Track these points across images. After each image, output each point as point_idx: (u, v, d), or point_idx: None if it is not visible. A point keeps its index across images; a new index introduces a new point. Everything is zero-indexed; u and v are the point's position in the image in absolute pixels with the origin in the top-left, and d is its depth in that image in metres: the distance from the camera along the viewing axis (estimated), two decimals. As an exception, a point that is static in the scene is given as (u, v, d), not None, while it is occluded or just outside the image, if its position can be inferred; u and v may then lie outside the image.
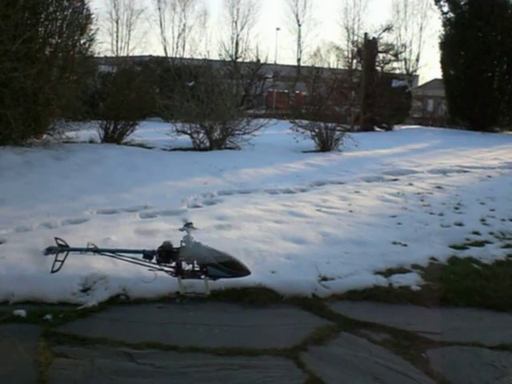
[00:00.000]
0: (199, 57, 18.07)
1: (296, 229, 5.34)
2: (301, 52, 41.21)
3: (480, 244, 5.25)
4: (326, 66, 26.39)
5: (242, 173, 8.49)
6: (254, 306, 3.77)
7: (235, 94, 13.17)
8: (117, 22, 41.12)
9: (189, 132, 11.28)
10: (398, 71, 23.34)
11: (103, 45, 29.84)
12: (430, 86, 32.06)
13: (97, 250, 3.70)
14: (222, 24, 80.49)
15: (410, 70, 35.19)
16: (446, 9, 19.62)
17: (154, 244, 3.75)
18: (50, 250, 3.65)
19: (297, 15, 42.41)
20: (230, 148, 11.22)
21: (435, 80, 29.61)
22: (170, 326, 3.46)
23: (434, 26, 53.62)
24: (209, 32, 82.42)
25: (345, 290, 4.01)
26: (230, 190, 7.19)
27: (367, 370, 2.99)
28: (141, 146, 10.99)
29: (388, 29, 19.58)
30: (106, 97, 11.24)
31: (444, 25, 19.65)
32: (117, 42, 40.84)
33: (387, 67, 19.27)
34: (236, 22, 41.87)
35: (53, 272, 3.59)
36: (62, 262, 3.60)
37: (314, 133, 11.65)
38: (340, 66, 23.13)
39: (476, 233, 5.55)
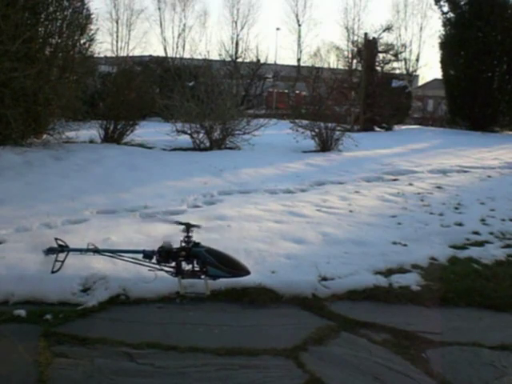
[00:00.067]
0: (199, 57, 18.08)
1: (296, 229, 5.34)
2: (301, 52, 41.21)
3: (480, 244, 5.25)
4: (326, 65, 26.40)
5: (242, 173, 8.49)
6: (253, 306, 3.78)
7: (235, 94, 13.17)
8: (117, 22, 41.11)
9: (189, 132, 11.28)
10: (398, 71, 23.35)
11: (103, 45, 29.86)
12: (429, 86, 32.06)
13: (97, 251, 3.70)
14: (222, 24, 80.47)
15: (410, 70, 35.18)
16: (445, 9, 19.64)
17: (154, 244, 3.75)
18: (50, 251, 3.65)
19: (297, 15, 42.41)
20: (230, 148, 11.22)
21: (435, 80, 29.61)
22: (170, 326, 3.46)
23: (434, 26, 53.62)
24: (209, 32, 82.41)
25: (345, 290, 4.01)
26: (230, 190, 7.20)
27: (367, 370, 2.99)
28: (141, 145, 10.99)
29: (388, 29, 19.59)
30: (105, 97, 11.24)
31: (444, 25, 19.65)
32: (117, 41, 40.83)
33: (387, 67, 19.28)
34: (236, 22, 41.86)
35: (53, 272, 3.59)
36: (62, 262, 3.60)
37: (314, 133, 11.65)
38: (340, 66, 23.15)
39: (476, 233, 5.56)
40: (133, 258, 3.68)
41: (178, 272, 3.57)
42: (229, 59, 24.32)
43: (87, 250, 3.66)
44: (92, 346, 3.11)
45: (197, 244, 3.61)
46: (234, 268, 3.58)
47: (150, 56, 25.96)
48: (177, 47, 40.73)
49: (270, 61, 26.97)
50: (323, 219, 5.78)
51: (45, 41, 9.31)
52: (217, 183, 7.63)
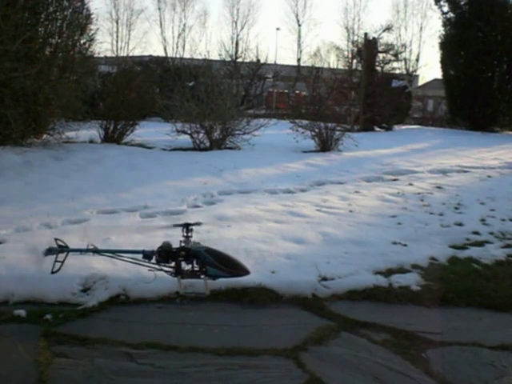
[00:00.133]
0: (199, 57, 18.08)
1: (296, 229, 5.34)
2: (301, 52, 41.19)
3: (480, 244, 5.25)
4: (326, 66, 26.38)
5: (242, 173, 8.49)
6: (253, 306, 3.78)
7: (235, 94, 13.18)
8: (117, 22, 41.08)
9: (189, 132, 11.28)
10: (398, 71, 23.34)
11: (103, 45, 29.83)
12: (429, 86, 32.05)
13: (96, 251, 3.70)
14: (222, 24, 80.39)
15: (410, 70, 35.16)
16: (446, 9, 19.63)
17: (154, 244, 3.75)
18: (49, 251, 3.65)
19: (297, 15, 42.38)
20: (230, 148, 11.22)
21: (435, 80, 29.60)
22: (170, 326, 3.46)
23: (434, 26, 53.56)
24: (209, 32, 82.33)
25: (345, 290, 4.01)
26: (230, 190, 7.19)
27: (367, 370, 2.99)
28: (141, 145, 10.99)
29: (388, 29, 19.58)
30: (105, 97, 11.24)
31: (444, 25, 19.65)
32: (117, 41, 40.80)
33: (387, 67, 19.28)
34: (236, 22, 41.84)
35: (53, 273, 3.59)
36: (62, 262, 3.60)
37: (314, 133, 11.65)
38: (340, 66, 23.15)
39: (476, 233, 5.56)
40: (132, 259, 3.68)
41: (178, 272, 3.57)
42: (229, 59, 24.32)
43: (87, 251, 3.66)
44: (92, 346, 3.11)
45: (196, 244, 3.61)
46: (234, 268, 3.58)
47: (150, 56, 25.96)
48: (177, 47, 40.73)
49: (270, 61, 26.99)
50: (323, 219, 5.78)
51: (45, 41, 9.31)
52: (217, 183, 7.63)
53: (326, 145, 11.58)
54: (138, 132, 11.33)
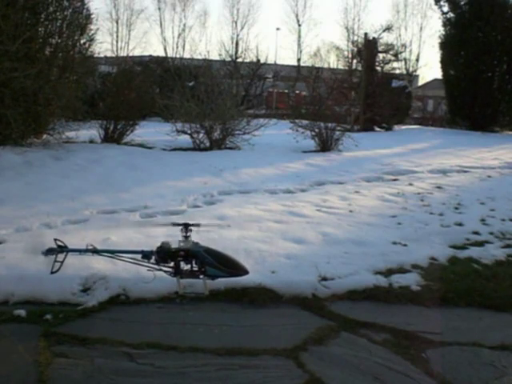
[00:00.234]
0: (199, 57, 18.09)
1: (296, 229, 5.34)
2: (301, 52, 41.18)
3: (480, 244, 5.25)
4: (326, 66, 26.39)
5: (242, 173, 8.50)
6: (253, 306, 3.77)
7: (235, 94, 13.18)
8: (117, 22, 41.07)
9: (189, 132, 11.28)
10: (398, 71, 23.35)
11: (103, 45, 29.86)
12: (429, 86, 32.06)
13: (96, 251, 3.70)
14: (222, 24, 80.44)
15: (410, 70, 35.17)
16: (446, 9, 19.64)
17: (154, 244, 3.75)
18: (49, 251, 3.65)
19: (297, 15, 42.38)
20: (230, 148, 11.22)
21: (435, 80, 29.61)
22: (170, 326, 3.46)
23: (434, 26, 53.62)
24: (209, 32, 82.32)
25: (345, 290, 4.01)
26: (230, 190, 7.19)
27: (367, 370, 2.99)
28: (141, 145, 10.99)
29: (388, 29, 19.59)
30: (106, 97, 11.24)
31: (444, 25, 19.65)
32: (117, 41, 40.79)
33: (387, 67, 19.29)
34: (236, 22, 41.83)
35: (52, 273, 3.59)
36: (62, 262, 3.60)
37: (314, 133, 11.65)
38: (340, 66, 23.15)
39: (476, 233, 5.55)
40: (132, 259, 3.68)
41: (177, 272, 3.57)
42: (229, 59, 24.33)
43: (86, 251, 3.67)
44: (92, 346, 3.11)
45: (195, 244, 3.61)
46: (233, 268, 3.58)
47: (150, 56, 25.97)
48: (177, 47, 40.72)
49: (270, 61, 27.00)
50: (323, 219, 5.78)
51: (45, 41, 9.31)
52: (217, 183, 7.63)
53: (325, 145, 11.58)
54: (138, 132, 11.33)
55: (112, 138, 11.00)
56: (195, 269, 3.57)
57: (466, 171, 9.37)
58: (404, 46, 30.17)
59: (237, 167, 8.86)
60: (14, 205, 5.84)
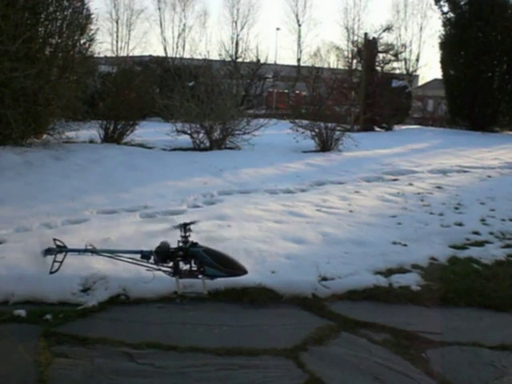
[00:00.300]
0: (199, 57, 18.09)
1: (296, 229, 5.34)
2: (301, 52, 41.25)
3: (480, 244, 5.24)
4: (326, 66, 26.43)
5: (242, 173, 8.50)
6: (253, 306, 3.77)
7: (235, 94, 13.18)
8: (117, 22, 41.15)
9: (189, 132, 11.28)
10: (398, 71, 23.36)
11: (103, 45, 29.87)
12: (429, 86, 32.07)
13: (95, 251, 3.70)
14: (222, 24, 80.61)
15: (410, 70, 35.22)
16: (446, 9, 19.65)
17: (154, 244, 3.76)
18: (48, 251, 3.66)
19: (297, 15, 42.44)
20: (230, 148, 11.22)
21: (435, 80, 29.62)
22: (170, 326, 3.46)
23: (434, 26, 53.71)
24: (209, 32, 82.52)
25: (345, 290, 4.01)
26: (230, 190, 7.19)
27: (367, 370, 2.99)
28: (141, 145, 10.99)
29: (388, 29, 19.59)
30: (106, 97, 11.24)
31: (444, 25, 19.65)
32: (117, 41, 40.87)
33: (387, 67, 19.29)
34: (236, 22, 41.90)
35: (51, 273, 3.59)
36: (61, 262, 3.60)
37: (314, 133, 11.65)
38: (340, 66, 23.16)
39: (476, 233, 5.55)
40: (131, 259, 3.68)
41: (176, 272, 3.57)
42: (229, 59, 24.34)
43: (85, 251, 3.67)
44: (92, 346, 3.11)
45: (194, 244, 3.61)
46: (232, 268, 3.58)
47: (150, 56, 25.98)
48: (177, 47, 40.80)
49: (270, 61, 27.02)
50: (323, 219, 5.78)
51: (45, 41, 9.31)
52: (217, 183, 7.63)
53: (325, 145, 11.58)
54: (138, 132, 11.33)
55: (112, 138, 11.00)
56: (194, 269, 3.58)
57: (466, 171, 9.37)
58: (404, 45, 30.23)
59: (237, 167, 8.86)
60: (13, 205, 5.84)
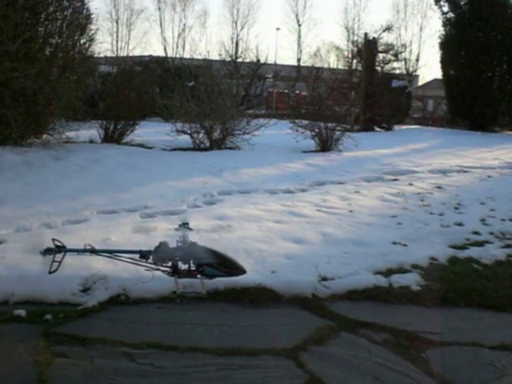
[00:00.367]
0: (199, 57, 18.10)
1: (296, 229, 5.34)
2: (301, 52, 41.22)
3: (480, 244, 5.25)
4: (326, 65, 26.42)
5: (242, 173, 8.50)
6: (253, 306, 3.77)
7: (235, 94, 13.18)
8: (117, 22, 41.12)
9: (189, 132, 11.28)
10: (398, 71, 23.37)
11: (103, 45, 29.86)
12: (429, 86, 32.07)
13: (94, 251, 3.70)
14: (222, 24, 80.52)
15: (410, 70, 35.21)
16: (446, 9, 19.66)
17: (154, 244, 3.75)
18: (47, 251, 3.66)
19: (297, 15, 42.42)
20: (230, 148, 11.22)
21: (435, 80, 29.62)
22: (170, 326, 3.46)
23: (434, 26, 53.66)
24: (209, 32, 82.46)
25: (345, 290, 4.01)
26: (230, 190, 7.20)
27: (367, 370, 2.99)
28: (141, 145, 10.99)
29: (388, 29, 19.60)
30: (106, 97, 11.24)
31: (444, 25, 19.66)
32: (117, 41, 40.85)
33: (387, 67, 19.30)
34: (236, 22, 41.87)
35: (50, 273, 3.59)
36: (60, 262, 3.60)
37: (314, 133, 11.66)
38: (340, 66, 23.17)
39: (476, 233, 5.55)
40: (130, 258, 3.68)
41: (175, 272, 3.57)
42: (229, 59, 24.35)
43: (84, 251, 3.67)
44: (92, 346, 3.11)
45: (193, 244, 3.62)
46: (230, 267, 3.59)
47: (150, 56, 25.98)
48: (177, 47, 40.77)
49: (270, 61, 27.01)
50: (323, 219, 5.78)
51: (45, 41, 9.31)
52: (217, 183, 7.63)
53: (325, 145, 11.58)
54: (138, 132, 11.33)
55: (112, 138, 11.00)
56: (193, 268, 3.58)
57: (465, 171, 9.37)
58: (404, 45, 30.23)
59: (237, 167, 8.86)
60: (14, 205, 5.84)
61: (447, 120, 20.85)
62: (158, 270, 3.62)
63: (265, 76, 23.02)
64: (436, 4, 20.06)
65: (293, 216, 5.86)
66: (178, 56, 33.42)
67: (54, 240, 3.67)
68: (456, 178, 8.77)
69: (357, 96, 18.40)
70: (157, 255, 3.57)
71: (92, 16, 10.18)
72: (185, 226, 3.64)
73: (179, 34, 41.37)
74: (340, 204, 6.54)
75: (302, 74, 24.05)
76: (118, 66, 15.00)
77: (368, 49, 18.00)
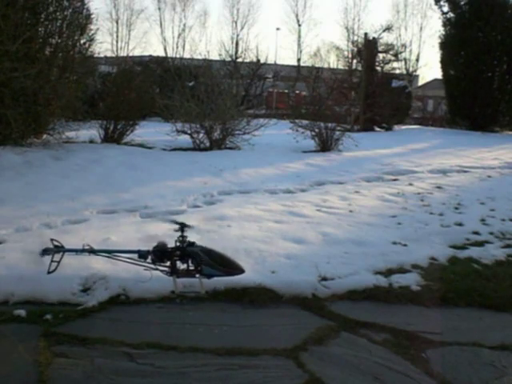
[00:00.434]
0: (199, 57, 18.08)
1: (296, 229, 5.34)
2: (301, 52, 41.23)
3: (480, 244, 5.25)
4: (326, 65, 26.42)
5: (242, 173, 8.50)
6: (253, 306, 3.77)
7: (235, 94, 13.17)
8: (117, 22, 41.13)
9: (189, 132, 11.28)
10: (398, 71, 23.36)
11: (103, 45, 29.85)
12: (429, 86, 32.07)
13: (92, 251, 3.70)
14: (222, 24, 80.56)
15: (410, 70, 35.21)
16: (446, 9, 19.65)
17: (153, 244, 3.75)
18: (45, 251, 3.66)
19: (297, 15, 42.42)
20: (230, 148, 11.22)
21: (435, 80, 29.62)
22: (170, 326, 3.46)
23: (434, 26, 53.66)
24: (209, 32, 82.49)
25: (345, 290, 4.01)
26: (230, 190, 7.19)
27: (367, 370, 2.99)
28: (141, 146, 10.99)
29: (388, 29, 19.60)
30: (106, 97, 11.24)
31: (444, 25, 19.66)
32: (117, 42, 40.85)
33: (387, 67, 19.29)
34: (236, 22, 41.88)
35: (49, 273, 3.59)
36: (58, 262, 3.60)
37: (314, 133, 11.66)
38: (340, 66, 23.17)
39: (476, 233, 5.55)
40: (129, 258, 3.68)
41: (173, 271, 3.58)
42: (229, 59, 24.34)
43: (82, 251, 3.67)
44: (92, 346, 3.11)
45: (191, 243, 3.62)
46: (229, 267, 3.59)
47: (150, 56, 25.97)
48: (177, 47, 40.77)
49: (270, 61, 27.01)
50: (323, 219, 5.78)
51: (45, 41, 9.30)
52: (217, 183, 7.63)
53: (326, 145, 11.58)
54: (138, 132, 11.32)
55: (112, 138, 10.99)
56: (191, 268, 3.58)
57: (466, 171, 9.37)
58: (404, 45, 30.23)
59: (237, 167, 8.86)
60: (14, 205, 5.84)
61: (447, 120, 20.85)
62: (157, 269, 3.62)
63: (265, 76, 23.03)
64: (436, 4, 20.08)
65: (293, 216, 5.86)
66: (178, 56, 33.44)
67: (52, 240, 3.68)
68: (456, 178, 8.77)
69: (357, 96, 18.40)
70: (155, 255, 3.58)
71: (92, 16, 10.19)
72: (183, 225, 3.64)
73: (179, 34, 41.41)
74: (340, 204, 6.54)
75: (302, 74, 24.06)
76: (118, 66, 14.99)
77: (368, 49, 18.00)
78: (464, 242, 5.25)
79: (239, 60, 25.16)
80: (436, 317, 3.78)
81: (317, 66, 25.09)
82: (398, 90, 18.94)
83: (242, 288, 3.87)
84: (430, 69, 74.50)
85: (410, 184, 8.01)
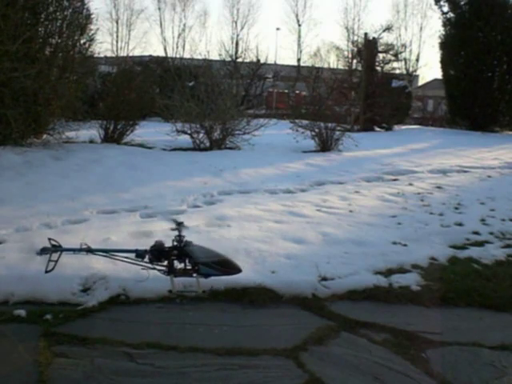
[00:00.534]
0: (199, 57, 18.09)
1: (296, 229, 5.34)
2: (301, 52, 41.26)
3: (480, 244, 5.25)
4: (326, 65, 26.44)
5: (242, 173, 8.49)
6: (253, 306, 3.77)
7: (235, 94, 13.17)
8: (117, 22, 41.17)
9: (189, 132, 11.27)
10: (398, 71, 23.36)
11: (103, 45, 29.90)
12: (429, 86, 32.08)
13: (90, 250, 3.70)
14: (222, 24, 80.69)
15: (410, 70, 35.23)
16: (446, 9, 19.66)
17: (151, 243, 3.75)
18: (43, 251, 3.66)
19: (297, 15, 42.46)
20: (230, 148, 11.22)
21: (435, 80, 29.63)
22: (170, 326, 3.46)
23: (434, 26, 53.76)
24: (209, 32, 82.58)
25: (345, 290, 4.01)
26: (230, 190, 7.19)
27: (367, 370, 2.99)
28: (141, 146, 10.98)
29: (388, 29, 19.59)
30: (105, 97, 11.24)
31: (444, 25, 19.66)
32: (117, 41, 40.90)
33: (387, 67, 19.29)
34: (236, 22, 41.92)
35: (47, 272, 3.59)
36: (56, 261, 3.60)
37: (314, 133, 11.65)
38: (340, 66, 23.17)
39: (476, 233, 5.55)
40: (126, 258, 3.68)
41: (170, 271, 3.58)
42: (229, 59, 24.35)
43: (80, 250, 3.67)
44: (92, 346, 3.11)
45: (189, 243, 3.62)
46: (226, 266, 3.59)
47: (150, 56, 25.97)
48: (177, 47, 40.82)
49: (270, 61, 27.03)
50: (323, 219, 5.78)
51: (45, 41, 9.30)
52: (217, 183, 7.63)
53: (325, 145, 11.58)
54: (138, 132, 11.32)
55: (112, 138, 10.99)
56: (188, 267, 3.59)
57: (466, 171, 9.37)
58: (404, 45, 30.23)
59: (237, 167, 8.86)
60: (14, 205, 5.84)
61: (447, 120, 20.85)
62: (154, 269, 3.62)
63: (265, 76, 23.03)
64: (436, 4, 20.08)
65: (293, 216, 5.86)
66: (178, 56, 33.46)
67: (50, 239, 3.68)
68: (456, 178, 8.77)
69: (357, 96, 18.39)
70: (152, 254, 3.58)
71: (92, 16, 10.19)
72: (180, 225, 3.64)
73: (179, 34, 41.45)
74: (340, 204, 6.54)
75: (302, 74, 24.06)
76: (118, 66, 14.98)
77: (368, 49, 18.00)
78: (464, 242, 5.25)
79: (239, 60, 25.18)
80: (436, 317, 3.78)
81: (317, 65, 25.13)
82: (397, 90, 18.93)
83: (242, 288, 3.87)
84: (429, 69, 74.62)
85: (410, 184, 8.01)
